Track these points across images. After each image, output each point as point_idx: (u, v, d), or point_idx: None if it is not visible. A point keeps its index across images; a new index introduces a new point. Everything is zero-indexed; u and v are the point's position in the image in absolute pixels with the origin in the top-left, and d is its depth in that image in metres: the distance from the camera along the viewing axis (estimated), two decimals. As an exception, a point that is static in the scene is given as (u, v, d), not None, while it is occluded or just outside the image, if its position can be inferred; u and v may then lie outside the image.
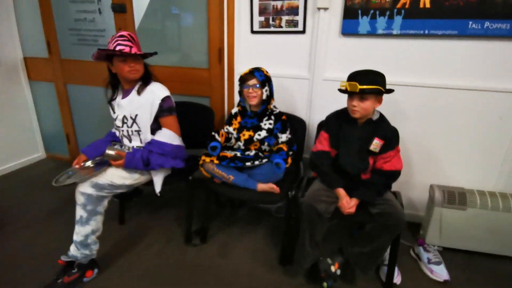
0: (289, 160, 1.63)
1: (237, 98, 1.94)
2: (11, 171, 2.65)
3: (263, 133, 1.69)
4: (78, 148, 2.82)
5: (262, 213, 2.13)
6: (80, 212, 1.46)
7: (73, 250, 1.46)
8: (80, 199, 1.46)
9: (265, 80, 1.66)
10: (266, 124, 1.70)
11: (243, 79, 1.66)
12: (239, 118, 1.78)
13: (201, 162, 1.67)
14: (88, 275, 1.51)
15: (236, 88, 1.86)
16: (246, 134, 1.73)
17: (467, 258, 1.73)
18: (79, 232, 1.46)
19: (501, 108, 1.70)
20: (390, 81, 1.72)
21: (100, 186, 1.48)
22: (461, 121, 1.78)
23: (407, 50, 1.76)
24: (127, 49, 1.49)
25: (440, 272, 1.58)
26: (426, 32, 1.69)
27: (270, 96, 1.70)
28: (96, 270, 1.55)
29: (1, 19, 2.45)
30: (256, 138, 1.70)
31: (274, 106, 1.74)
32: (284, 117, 1.72)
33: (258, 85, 1.63)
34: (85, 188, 1.46)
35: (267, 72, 1.70)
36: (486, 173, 1.83)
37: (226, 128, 1.78)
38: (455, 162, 1.86)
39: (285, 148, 1.64)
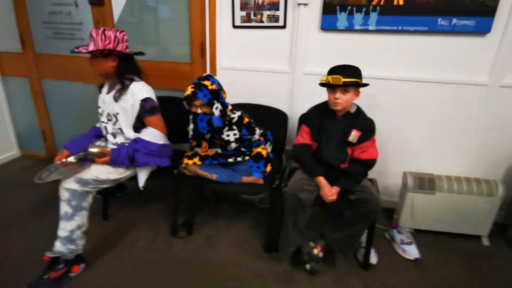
0: (268, 169, 1.65)
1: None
2: (-16, 170, 2.56)
3: (233, 145, 1.67)
4: (55, 145, 2.75)
5: (246, 205, 2.19)
6: (65, 208, 1.46)
7: (58, 245, 1.46)
8: (64, 195, 1.46)
9: (212, 99, 1.52)
10: (230, 135, 1.64)
11: (188, 98, 1.53)
12: (204, 143, 1.70)
13: (183, 165, 1.67)
14: (74, 270, 1.51)
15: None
16: (218, 142, 1.71)
17: (436, 238, 1.88)
18: (64, 228, 1.46)
19: (466, 100, 1.84)
20: (367, 74, 1.81)
21: (84, 181, 1.48)
22: (431, 111, 1.91)
23: (382, 45, 1.85)
24: (83, 49, 1.48)
25: (412, 252, 1.71)
26: (399, 28, 1.79)
27: (224, 108, 1.59)
28: (82, 265, 1.55)
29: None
30: (229, 149, 1.70)
31: (231, 111, 1.65)
32: (246, 119, 1.67)
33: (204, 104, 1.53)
34: (69, 184, 1.45)
35: (212, 84, 1.53)
36: (454, 160, 1.97)
37: (197, 151, 1.72)
38: (426, 150, 1.99)
39: (264, 153, 1.64)
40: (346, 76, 1.42)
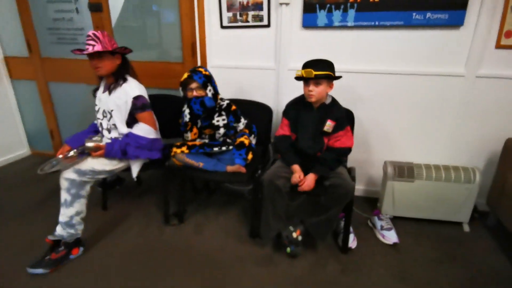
0: (250, 156, 1.78)
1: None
2: (-2, 167, 2.76)
3: (222, 130, 1.83)
4: (62, 143, 2.93)
5: (235, 196, 2.31)
6: (64, 196, 1.61)
7: (59, 230, 1.61)
8: (64, 184, 1.60)
9: (206, 81, 1.72)
10: (220, 120, 1.81)
11: (184, 84, 1.73)
12: (195, 129, 1.82)
13: (172, 153, 1.81)
14: (74, 253, 1.66)
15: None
16: (207, 132, 1.86)
17: (416, 224, 1.95)
18: (64, 214, 1.60)
19: (444, 90, 1.90)
20: (347, 68, 1.93)
21: (82, 172, 1.63)
22: (410, 103, 1.98)
23: (361, 40, 1.94)
24: (90, 49, 1.62)
25: (391, 237, 1.78)
26: (376, 23, 1.87)
27: (215, 93, 1.77)
28: (81, 249, 1.70)
29: (-20, 20, 2.54)
30: (217, 137, 1.86)
31: (221, 99, 1.83)
32: (233, 107, 1.84)
33: (200, 87, 1.71)
34: (68, 174, 1.60)
35: (205, 71, 1.75)
36: (433, 149, 2.04)
37: (186, 137, 1.85)
38: (407, 140, 2.07)
39: (246, 142, 1.78)
40: (318, 70, 1.52)
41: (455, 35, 1.81)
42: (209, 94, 1.73)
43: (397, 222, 1.95)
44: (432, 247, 1.77)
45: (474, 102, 1.89)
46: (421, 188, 1.87)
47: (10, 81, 2.81)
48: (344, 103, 1.73)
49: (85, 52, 1.60)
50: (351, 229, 1.77)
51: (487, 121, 1.91)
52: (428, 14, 1.79)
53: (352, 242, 1.75)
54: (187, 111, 1.78)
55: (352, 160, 2.04)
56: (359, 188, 2.27)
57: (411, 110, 2.00)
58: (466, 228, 1.92)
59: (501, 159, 1.88)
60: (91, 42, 1.59)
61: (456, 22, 1.77)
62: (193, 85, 1.71)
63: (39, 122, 2.92)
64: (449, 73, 1.87)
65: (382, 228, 1.84)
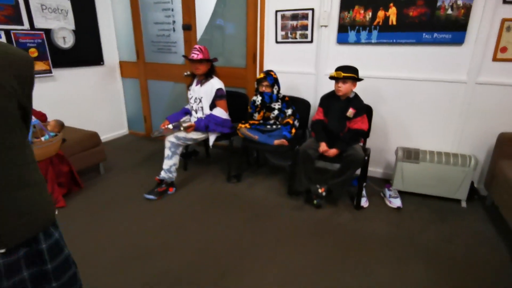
0: (293, 131, 2.48)
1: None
2: (107, 140, 3.80)
3: (276, 112, 2.57)
4: (151, 126, 3.91)
5: (279, 169, 3.01)
6: (167, 152, 2.46)
7: (162, 173, 2.46)
8: (167, 144, 2.46)
9: (274, 82, 2.53)
10: (276, 105, 2.56)
11: (259, 80, 2.56)
12: (262, 112, 2.61)
13: (238, 127, 2.59)
14: (170, 190, 2.50)
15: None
16: (267, 115, 2.62)
17: (421, 198, 2.46)
18: (166, 163, 2.45)
19: (450, 94, 2.41)
20: (371, 75, 2.55)
21: (179, 138, 2.47)
22: (421, 103, 2.51)
23: (382, 53, 2.54)
24: (195, 56, 2.46)
25: (396, 202, 2.33)
26: (394, 41, 2.46)
27: (279, 91, 2.57)
28: (174, 189, 2.53)
29: (108, 37, 3.60)
30: (272, 116, 2.59)
31: (279, 93, 2.59)
32: (287, 98, 2.60)
33: (269, 85, 2.53)
34: (171, 138, 2.46)
35: (275, 74, 2.56)
36: (440, 140, 2.54)
37: (254, 116, 2.65)
38: (418, 131, 2.59)
39: (291, 122, 2.51)
40: (345, 72, 2.17)
41: (458, 50, 2.32)
42: (275, 92, 2.51)
43: (405, 196, 2.47)
44: (429, 212, 2.28)
45: (474, 104, 2.37)
46: (425, 168, 2.39)
47: (121, 79, 3.87)
48: (368, 100, 2.37)
49: (191, 58, 2.45)
50: (364, 193, 2.37)
51: (485, 119, 2.37)
52: (435, 34, 2.33)
53: (365, 203, 2.34)
54: (259, 98, 2.55)
55: (373, 147, 2.63)
56: (378, 171, 2.83)
57: (422, 108, 2.52)
58: (464, 204, 2.38)
59: (495, 150, 2.32)
60: (197, 52, 2.44)
61: (458, 41, 2.29)
62: (265, 83, 2.50)
63: (137, 109, 3.94)
64: (453, 80, 2.38)
65: (390, 196, 2.40)
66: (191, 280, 1.63)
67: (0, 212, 0.72)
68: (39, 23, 2.85)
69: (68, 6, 3.06)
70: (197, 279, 1.64)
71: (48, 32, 2.92)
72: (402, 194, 2.48)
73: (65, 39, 3.09)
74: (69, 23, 3.11)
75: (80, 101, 3.39)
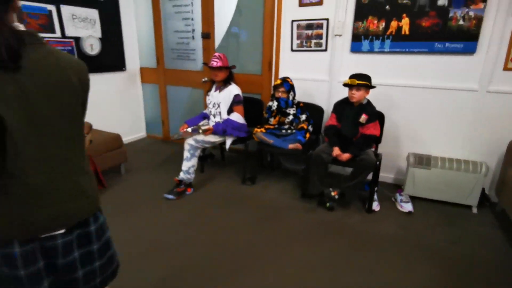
0: (307, 135, 2.58)
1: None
2: (127, 143, 3.96)
3: (290, 117, 2.67)
4: (169, 130, 4.06)
5: (292, 173, 3.10)
6: (186, 154, 2.59)
7: (181, 174, 2.58)
8: (186, 146, 2.59)
9: (290, 88, 2.65)
10: (291, 110, 2.66)
11: (276, 86, 2.67)
12: (277, 117, 2.72)
13: (254, 132, 2.70)
14: (188, 191, 2.62)
15: (279, 86, 2.87)
16: (282, 119, 2.73)
17: (433, 204, 2.51)
18: (185, 165, 2.58)
19: (461, 101, 2.47)
20: (383, 82, 2.63)
21: (197, 140, 2.60)
22: (432, 109, 2.58)
23: (395, 62, 2.62)
24: (214, 64, 2.60)
25: (407, 206, 2.39)
26: (407, 50, 2.54)
27: (294, 97, 2.68)
28: (192, 189, 2.65)
29: (130, 44, 3.80)
30: (286, 121, 2.69)
31: (294, 99, 2.70)
32: (301, 104, 2.71)
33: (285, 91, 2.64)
34: (190, 141, 2.59)
35: (291, 81, 2.68)
36: (451, 146, 2.59)
37: (270, 121, 2.75)
38: (429, 138, 2.65)
39: (305, 127, 2.60)
40: (359, 80, 2.26)
41: (469, 59, 2.39)
42: (290, 97, 2.64)
43: (416, 200, 2.53)
44: (439, 217, 2.33)
45: (485, 111, 2.42)
46: (437, 174, 2.44)
47: (141, 84, 4.05)
48: (380, 107, 2.45)
49: (211, 65, 2.59)
50: (375, 197, 2.43)
51: (495, 126, 2.41)
52: (447, 44, 2.41)
53: (376, 207, 2.41)
54: (275, 103, 2.66)
55: (384, 153, 2.70)
56: (389, 176, 2.89)
57: (433, 115, 2.59)
58: (474, 210, 2.42)
59: (505, 157, 2.36)
60: (216, 59, 2.58)
61: (469, 50, 2.35)
62: (282, 89, 2.62)
63: (155, 114, 4.10)
64: (464, 88, 2.44)
65: (401, 201, 2.46)
66: (209, 273, 1.74)
67: (63, 194, 0.85)
68: (70, 31, 3.05)
69: (96, 16, 3.26)
70: (214, 272, 1.74)
71: (77, 40, 3.12)
72: (413, 199, 2.53)
73: (92, 46, 3.28)
74: (96, 31, 3.31)
75: (103, 104, 3.56)
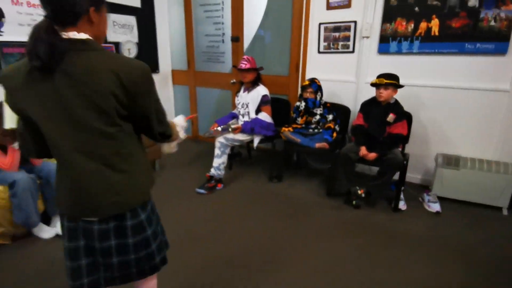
0: (334, 135, 2.65)
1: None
2: (159, 141, 4.18)
3: (317, 117, 2.76)
4: (198, 129, 4.24)
5: (318, 172, 3.16)
6: (217, 151, 2.73)
7: (212, 170, 2.73)
8: (217, 144, 2.73)
9: (318, 89, 2.73)
10: (318, 111, 2.75)
11: (304, 87, 2.77)
12: (304, 117, 2.82)
13: (282, 131, 2.80)
14: (219, 186, 2.76)
15: (306, 87, 2.95)
16: (307, 118, 2.81)
17: (460, 204, 2.49)
18: (216, 162, 2.72)
19: (492, 103, 2.45)
20: (411, 82, 2.64)
21: (227, 138, 2.73)
22: (462, 110, 2.57)
23: (423, 62, 2.63)
24: (243, 66, 2.73)
25: (435, 207, 2.39)
26: (436, 51, 2.55)
27: (321, 97, 2.77)
28: (222, 185, 2.79)
29: (164, 48, 4.01)
30: (313, 121, 2.78)
31: (321, 99, 2.78)
32: (328, 104, 2.79)
33: (313, 92, 2.74)
34: (220, 139, 2.73)
35: (319, 82, 2.76)
36: (485, 147, 2.55)
37: (297, 121, 2.86)
38: (459, 139, 2.63)
39: (332, 126, 2.68)
40: (387, 79, 2.31)
41: (501, 60, 2.36)
42: (318, 98, 2.72)
43: (444, 201, 2.52)
44: (468, 217, 2.32)
45: (518, 112, 2.39)
46: (466, 175, 2.43)
47: (172, 86, 4.26)
48: (408, 107, 2.49)
49: (239, 68, 2.72)
50: (402, 196, 2.46)
51: (529, 127, 2.37)
52: (478, 45, 2.39)
53: (402, 206, 2.43)
54: (303, 103, 2.76)
55: (412, 153, 2.70)
56: (417, 177, 2.89)
57: (463, 116, 2.57)
58: (505, 212, 2.39)
59: (540, 159, 2.31)
60: (245, 62, 2.71)
61: (501, 51, 2.33)
62: (310, 89, 2.72)
63: (185, 114, 4.26)
64: (496, 88, 2.42)
65: (429, 201, 2.46)
66: (240, 263, 1.85)
67: (94, 188, 0.92)
68: (111, 37, 3.29)
69: (134, 22, 3.49)
70: (245, 262, 1.85)
71: (117, 44, 3.36)
72: (441, 200, 2.52)
73: (130, 50, 3.51)
74: (134, 36, 3.54)
75: (138, 105, 3.79)
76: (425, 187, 2.79)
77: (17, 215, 1.93)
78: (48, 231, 2.08)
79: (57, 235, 2.06)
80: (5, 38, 2.50)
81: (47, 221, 2.15)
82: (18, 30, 2.56)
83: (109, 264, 1.03)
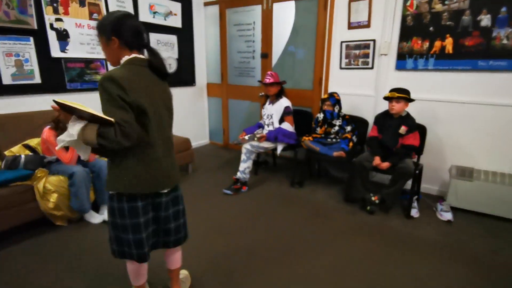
0: (351, 144, 2.86)
1: (327, 106, 3.27)
2: (194, 147, 4.59)
3: (336, 128, 2.99)
4: (229, 138, 4.61)
5: (337, 180, 3.36)
6: (243, 157, 3.05)
7: (238, 174, 3.04)
8: (243, 150, 3.05)
9: (336, 102, 2.97)
10: (337, 122, 2.98)
11: (323, 100, 3.02)
12: (323, 127, 3.07)
13: (302, 140, 3.06)
14: (244, 188, 3.07)
15: (327, 100, 3.20)
16: (327, 129, 3.05)
17: (474, 215, 2.57)
18: (242, 166, 3.04)
19: (505, 118, 2.54)
20: (426, 97, 2.80)
21: (253, 145, 3.05)
22: (476, 124, 2.67)
23: (438, 78, 2.78)
24: (267, 80, 3.05)
25: (446, 215, 2.50)
26: (450, 67, 2.70)
27: (340, 110, 2.99)
28: (247, 188, 3.09)
29: (200, 63, 4.46)
30: (332, 131, 3.01)
31: (340, 111, 3.00)
32: (347, 116, 3.01)
33: (331, 105, 2.98)
34: (246, 146, 3.05)
35: (337, 96, 2.99)
36: (500, 160, 2.62)
37: (317, 131, 3.11)
38: (476, 153, 2.72)
39: (349, 136, 2.89)
40: (399, 93, 2.50)
41: (515, 76, 2.46)
42: (336, 110, 2.96)
43: (459, 212, 2.61)
44: (480, 227, 2.40)
45: (533, 127, 2.45)
46: (480, 187, 2.51)
47: (207, 97, 4.70)
48: (424, 120, 2.69)
49: (264, 82, 3.05)
50: (415, 204, 2.60)
51: (545, 142, 2.42)
52: (491, 62, 2.51)
53: (415, 213, 2.57)
54: (321, 115, 3.03)
55: (428, 165, 2.83)
56: (433, 188, 2.99)
57: (478, 130, 2.66)
58: (521, 224, 2.44)
59: (556, 173, 2.35)
60: (269, 77, 3.04)
61: (515, 68, 2.44)
62: (328, 102, 2.97)
63: (217, 123, 4.70)
64: (504, 103, 2.50)
65: (441, 210, 2.58)
66: (261, 254, 2.11)
67: (170, 164, 1.35)
68: (156, 55, 3.78)
69: (175, 40, 3.98)
70: (265, 254, 2.11)
71: (160, 61, 3.85)
72: (456, 210, 2.62)
73: (171, 65, 3.99)
74: (175, 53, 4.02)
75: (176, 113, 4.23)
76: (442, 198, 2.88)
77: (74, 201, 2.33)
78: (97, 218, 2.48)
79: (104, 221, 2.46)
80: (69, 54, 3.01)
81: (96, 209, 2.57)
82: (79, 48, 3.07)
83: (168, 229, 1.43)
